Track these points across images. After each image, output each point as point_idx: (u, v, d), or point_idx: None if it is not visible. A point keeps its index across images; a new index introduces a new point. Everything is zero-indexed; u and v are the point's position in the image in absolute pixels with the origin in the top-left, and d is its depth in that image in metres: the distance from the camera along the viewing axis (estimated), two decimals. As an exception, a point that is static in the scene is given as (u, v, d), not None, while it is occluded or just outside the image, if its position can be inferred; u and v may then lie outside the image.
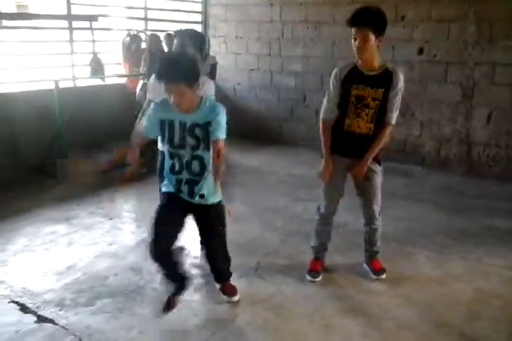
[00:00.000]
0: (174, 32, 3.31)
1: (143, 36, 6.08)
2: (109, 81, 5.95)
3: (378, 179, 2.89)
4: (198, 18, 7.31)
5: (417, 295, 2.87)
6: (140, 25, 6.40)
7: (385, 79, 2.67)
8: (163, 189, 2.59)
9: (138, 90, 5.70)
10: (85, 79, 5.84)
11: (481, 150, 5.33)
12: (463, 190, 4.89)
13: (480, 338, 2.47)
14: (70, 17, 5.45)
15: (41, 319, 2.56)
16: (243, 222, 3.97)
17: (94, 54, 5.59)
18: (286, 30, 6.49)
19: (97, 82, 5.81)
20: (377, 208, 2.95)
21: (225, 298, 2.80)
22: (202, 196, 2.50)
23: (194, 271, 3.08)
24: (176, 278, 2.64)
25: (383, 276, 3.06)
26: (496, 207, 4.37)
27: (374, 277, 3.05)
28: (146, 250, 2.52)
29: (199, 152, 2.41)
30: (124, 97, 5.73)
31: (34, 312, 2.61)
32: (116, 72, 6.26)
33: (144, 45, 5.98)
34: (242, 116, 7.09)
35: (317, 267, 3.08)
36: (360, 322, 2.59)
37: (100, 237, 3.60)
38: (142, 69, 5.68)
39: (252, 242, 3.56)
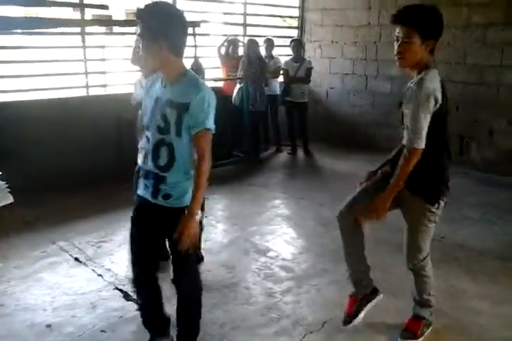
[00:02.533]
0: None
1: (240, 41, 6.26)
2: (208, 84, 6.19)
3: (424, 223, 2.26)
4: (295, 23, 7.39)
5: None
6: (239, 30, 6.60)
7: (411, 91, 2.14)
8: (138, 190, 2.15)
9: (234, 94, 5.89)
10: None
11: None
12: None
13: None
14: (175, 23, 5.74)
15: (142, 307, 2.73)
16: (333, 227, 3.91)
17: (196, 58, 5.84)
18: (383, 34, 6.36)
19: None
20: (415, 255, 2.33)
21: None
22: (167, 196, 2.02)
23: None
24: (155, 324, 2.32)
25: None
26: None
27: (398, 338, 2.47)
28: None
29: (167, 137, 1.97)
30: (218, 100, 5.92)
31: (135, 301, 2.77)
32: (214, 75, 6.50)
33: (241, 50, 6.15)
34: (334, 120, 7.06)
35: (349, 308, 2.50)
36: (458, 340, 2.47)
37: (195, 234, 3.76)
38: (239, 73, 5.85)
39: (342, 249, 3.52)
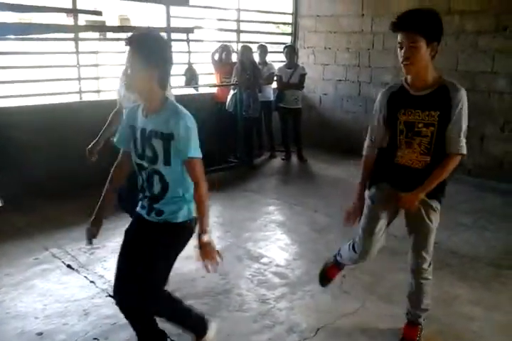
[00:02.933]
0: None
1: (233, 47, 6.29)
2: (202, 90, 6.21)
3: (434, 220, 2.32)
4: (288, 29, 7.43)
5: (514, 323, 2.69)
6: (232, 36, 6.63)
7: (440, 98, 2.13)
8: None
9: (228, 100, 5.91)
10: (180, 88, 6.13)
11: None
12: None
13: None
14: (169, 29, 5.76)
15: (135, 314, 2.71)
16: (327, 233, 3.96)
17: (189, 64, 5.86)
18: (376, 41, 6.40)
19: (190, 91, 6.08)
20: (427, 257, 2.37)
21: None
22: (159, 213, 2.07)
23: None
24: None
25: None
26: None
27: None
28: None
29: (156, 167, 2.02)
30: (212, 106, 5.96)
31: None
32: (207, 81, 6.52)
33: (234, 56, 6.18)
34: (328, 126, 7.08)
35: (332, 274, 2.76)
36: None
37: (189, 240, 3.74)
38: (233, 79, 5.87)
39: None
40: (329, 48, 6.96)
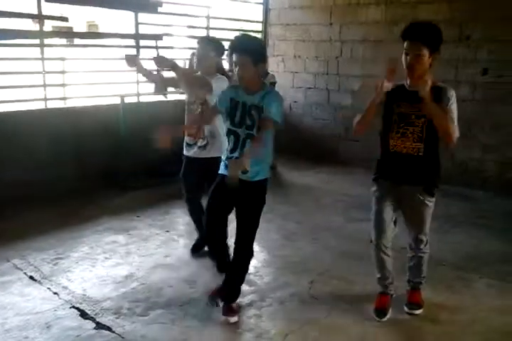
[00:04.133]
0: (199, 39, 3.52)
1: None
2: (171, 97, 6.16)
3: (428, 211, 2.67)
4: (258, 37, 7.47)
5: (477, 325, 2.74)
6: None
7: (432, 94, 2.43)
8: (220, 170, 2.78)
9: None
10: (149, 96, 6.08)
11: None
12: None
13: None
14: (137, 36, 5.72)
15: (99, 326, 2.64)
16: (296, 239, 3.97)
17: (158, 71, 5.81)
18: (345, 49, 6.51)
19: (159, 98, 6.03)
20: (424, 238, 2.77)
21: (222, 317, 2.74)
22: (245, 172, 2.57)
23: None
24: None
25: (416, 312, 2.82)
26: None
27: (406, 310, 2.83)
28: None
29: (252, 132, 2.60)
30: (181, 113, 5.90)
31: (93, 319, 2.70)
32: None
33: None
34: (298, 133, 7.13)
35: (383, 304, 2.83)
36: (416, 350, 2.51)
37: (156, 249, 3.70)
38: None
39: (306, 261, 3.54)
40: (299, 56, 7.03)
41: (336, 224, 4.31)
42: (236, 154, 2.63)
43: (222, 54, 3.50)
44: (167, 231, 4.07)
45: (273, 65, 7.24)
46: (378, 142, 2.75)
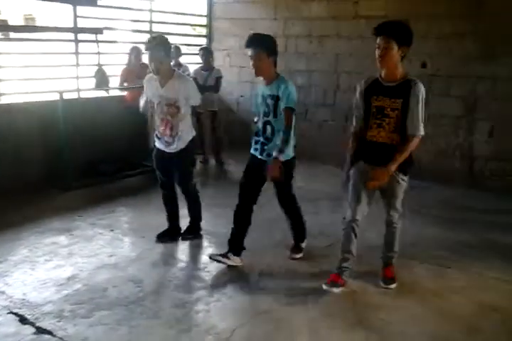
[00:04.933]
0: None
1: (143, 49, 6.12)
2: (113, 93, 6.00)
3: (400, 188, 2.93)
4: (204, 31, 7.40)
5: (418, 309, 2.85)
6: (145, 38, 6.46)
7: (403, 89, 2.74)
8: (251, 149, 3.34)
9: (142, 102, 5.73)
10: (90, 91, 5.89)
11: (483, 164, 5.33)
12: (464, 204, 4.87)
13: (482, 354, 2.45)
14: (76, 29, 5.52)
15: (40, 330, 2.54)
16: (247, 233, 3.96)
17: (99, 66, 5.64)
18: (289, 45, 6.55)
19: (101, 93, 5.86)
20: (395, 214, 3.03)
21: (289, 254, 3.50)
22: (269, 155, 3.11)
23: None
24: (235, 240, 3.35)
25: (391, 286, 3.08)
26: (497, 221, 4.36)
27: (382, 285, 3.09)
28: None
29: (269, 118, 3.14)
30: (123, 109, 5.77)
31: (32, 324, 2.59)
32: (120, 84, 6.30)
33: (144, 58, 6.01)
34: (245, 128, 7.12)
35: (335, 279, 3.05)
36: (361, 335, 2.57)
37: (101, 248, 3.59)
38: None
39: (254, 254, 3.54)
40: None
41: (283, 217, 4.32)
42: (260, 138, 3.21)
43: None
44: (111, 230, 3.96)
45: (219, 60, 7.20)
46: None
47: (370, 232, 3.58)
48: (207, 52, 6.28)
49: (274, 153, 3.05)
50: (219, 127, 6.41)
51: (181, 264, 3.40)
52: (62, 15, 5.91)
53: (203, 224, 3.97)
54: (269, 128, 3.16)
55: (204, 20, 7.35)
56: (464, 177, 5.44)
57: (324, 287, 3.00)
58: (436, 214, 4.50)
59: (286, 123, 3.06)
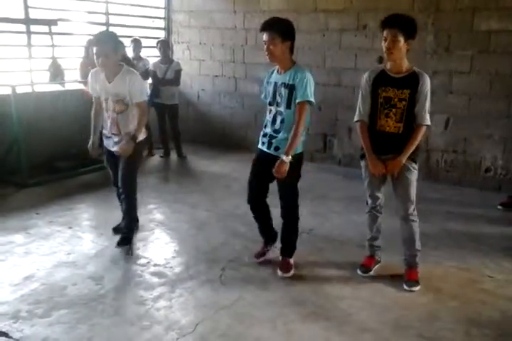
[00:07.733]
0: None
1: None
2: (70, 86, 5.82)
3: (412, 176, 2.98)
4: (161, 24, 7.28)
5: (378, 298, 2.92)
6: (101, 30, 6.29)
7: (411, 80, 2.83)
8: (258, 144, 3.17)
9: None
10: (44, 85, 5.69)
11: (439, 156, 5.49)
12: (421, 195, 4.96)
13: (438, 339, 2.53)
14: (27, 21, 5.32)
15: (-6, 333, 2.46)
16: (207, 228, 3.96)
17: (54, 59, 5.47)
18: (249, 37, 6.53)
19: (56, 87, 5.67)
20: (410, 204, 3.02)
21: (279, 273, 3.14)
22: (277, 149, 2.97)
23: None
24: (265, 231, 3.32)
25: (415, 288, 3.00)
26: (454, 211, 4.51)
27: (405, 287, 3.01)
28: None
29: (280, 109, 2.95)
30: (83, 103, 5.60)
31: (14, 339, 2.48)
32: (76, 77, 6.13)
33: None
34: (207, 122, 7.09)
35: (368, 263, 3.22)
36: (322, 326, 2.61)
37: (58, 246, 3.51)
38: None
39: (216, 249, 3.55)
40: (204, 44, 6.96)
41: (244, 211, 4.34)
42: (268, 130, 3.04)
43: (122, 45, 3.40)
44: (69, 227, 3.86)
45: (178, 53, 7.12)
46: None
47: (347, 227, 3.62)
48: (165, 45, 6.19)
49: (282, 156, 2.87)
50: (177, 120, 6.32)
51: (142, 260, 3.36)
52: (12, 5, 5.66)
53: (164, 219, 3.94)
54: (278, 119, 2.96)
55: (162, 13, 7.21)
56: (420, 169, 5.55)
57: (359, 272, 3.17)
58: (393, 206, 4.60)
59: (299, 119, 2.85)
